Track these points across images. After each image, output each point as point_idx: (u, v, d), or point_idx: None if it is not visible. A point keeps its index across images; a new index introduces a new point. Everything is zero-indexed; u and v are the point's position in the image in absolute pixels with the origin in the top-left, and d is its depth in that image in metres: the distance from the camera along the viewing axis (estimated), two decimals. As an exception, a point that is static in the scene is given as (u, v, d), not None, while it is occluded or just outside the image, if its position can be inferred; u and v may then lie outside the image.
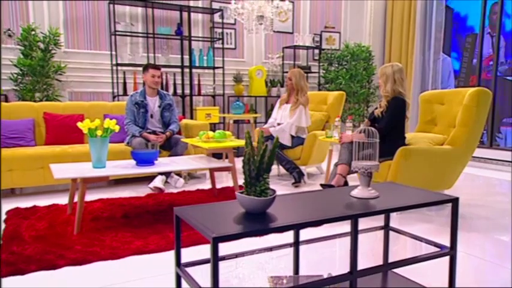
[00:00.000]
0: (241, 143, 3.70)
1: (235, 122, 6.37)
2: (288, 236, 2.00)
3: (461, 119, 3.56)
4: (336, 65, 6.95)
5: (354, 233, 1.50)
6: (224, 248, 2.19)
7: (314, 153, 4.56)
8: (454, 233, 1.76)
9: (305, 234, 1.97)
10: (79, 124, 3.05)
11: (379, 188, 1.91)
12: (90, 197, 3.85)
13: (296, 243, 1.84)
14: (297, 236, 1.84)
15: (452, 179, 3.68)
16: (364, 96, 6.71)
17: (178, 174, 4.47)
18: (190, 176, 4.85)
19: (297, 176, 4.40)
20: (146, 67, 4.33)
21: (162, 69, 6.00)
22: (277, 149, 4.48)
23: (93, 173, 2.96)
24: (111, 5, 5.53)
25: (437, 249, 1.80)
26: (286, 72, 6.49)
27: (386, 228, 2.08)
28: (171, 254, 2.54)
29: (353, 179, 4.63)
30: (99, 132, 3.03)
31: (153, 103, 4.38)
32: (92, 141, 3.06)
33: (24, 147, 4.13)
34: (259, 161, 1.50)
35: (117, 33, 5.58)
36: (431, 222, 3.23)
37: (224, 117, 6.30)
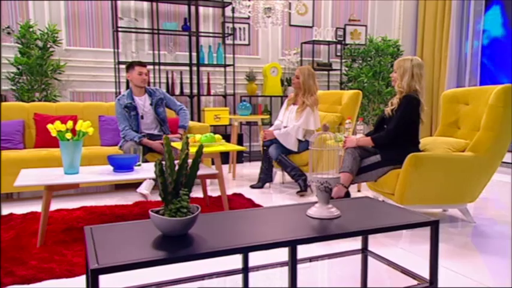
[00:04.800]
0: (231, 147, 3.51)
1: (248, 123, 6.19)
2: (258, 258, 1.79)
3: (485, 121, 3.21)
4: (360, 62, 6.62)
5: (292, 263, 1.28)
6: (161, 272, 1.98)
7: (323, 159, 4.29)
8: (434, 263, 1.49)
9: (263, 256, 1.75)
10: (49, 126, 2.95)
11: (349, 204, 1.67)
12: (74, 204, 3.79)
13: (245, 269, 1.63)
14: (245, 260, 1.63)
15: (475, 192, 3.33)
16: (390, 95, 6.34)
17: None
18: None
19: (303, 184, 4.16)
20: (131, 65, 4.23)
21: (169, 68, 5.94)
22: (282, 154, 4.30)
23: (62, 179, 2.85)
24: (114, 0, 5.49)
25: (415, 283, 1.54)
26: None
27: (364, 252, 1.83)
28: (133, 273, 2.38)
29: (364, 188, 4.36)
30: (68, 135, 2.92)
31: (143, 103, 4.27)
32: (63, 145, 2.95)
33: (10, 150, 4.11)
34: (178, 173, 1.31)
35: (119, 29, 5.54)
36: (448, 242, 2.92)
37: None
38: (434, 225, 1.47)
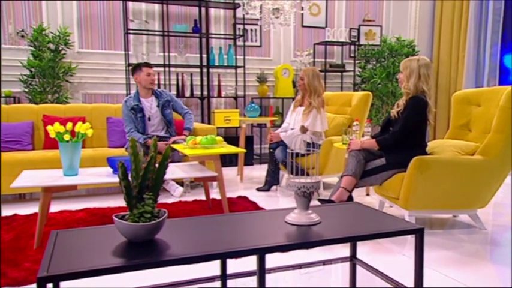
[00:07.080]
0: (231, 149, 3.45)
1: (259, 125, 6.13)
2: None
3: (496, 123, 3.07)
4: (374, 62, 6.49)
5: (260, 272, 1.21)
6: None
7: (331, 161, 4.20)
8: (419, 274, 1.40)
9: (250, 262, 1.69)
10: (48, 128, 2.96)
11: (333, 210, 1.59)
12: (79, 205, 3.80)
13: (223, 276, 1.57)
14: (223, 267, 1.57)
15: (485, 197, 3.18)
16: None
17: (180, 182, 4.31)
18: (199, 184, 4.67)
19: (309, 188, 4.06)
20: (139, 66, 4.21)
21: (179, 69, 5.93)
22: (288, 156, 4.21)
23: (59, 181, 2.84)
24: (124, 2, 5.51)
25: (400, 294, 1.45)
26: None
27: (352, 260, 1.75)
28: (121, 276, 2.34)
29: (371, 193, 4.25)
30: (66, 137, 2.92)
31: (150, 104, 4.25)
32: (62, 146, 2.95)
33: (17, 152, 4.14)
34: (143, 177, 1.26)
35: (129, 31, 5.56)
36: (456, 249, 2.79)
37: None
38: (419, 233, 1.38)
